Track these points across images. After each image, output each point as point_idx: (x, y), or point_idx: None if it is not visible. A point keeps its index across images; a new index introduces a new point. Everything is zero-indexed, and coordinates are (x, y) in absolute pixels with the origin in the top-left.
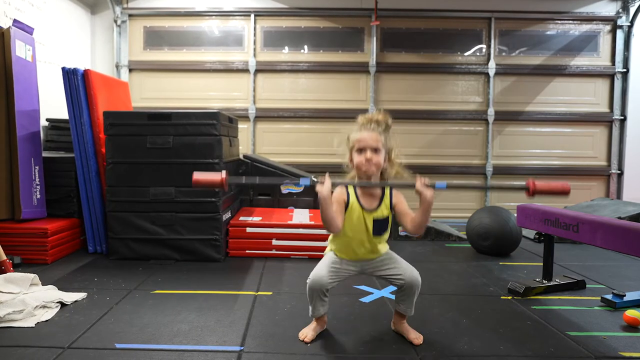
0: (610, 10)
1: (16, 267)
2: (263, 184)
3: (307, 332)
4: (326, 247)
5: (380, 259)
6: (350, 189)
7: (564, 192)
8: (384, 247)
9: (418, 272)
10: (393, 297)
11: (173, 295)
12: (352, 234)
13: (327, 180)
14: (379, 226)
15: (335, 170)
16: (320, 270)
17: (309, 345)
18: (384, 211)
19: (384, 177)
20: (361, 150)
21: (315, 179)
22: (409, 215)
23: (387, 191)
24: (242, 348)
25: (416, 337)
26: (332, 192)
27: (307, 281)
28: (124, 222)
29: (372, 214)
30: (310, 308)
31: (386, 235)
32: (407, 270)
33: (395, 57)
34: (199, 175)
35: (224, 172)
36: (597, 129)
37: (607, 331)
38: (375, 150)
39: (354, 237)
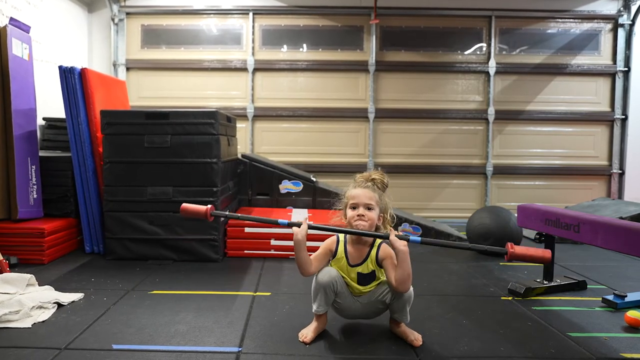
0: (611, 8)
1: (12, 268)
2: (245, 217)
3: (307, 333)
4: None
5: (376, 289)
6: (341, 240)
7: (544, 260)
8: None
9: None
10: None
11: (171, 295)
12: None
13: (304, 224)
14: (364, 279)
15: (335, 169)
16: (333, 271)
17: (308, 346)
18: (369, 266)
19: (377, 234)
20: (354, 206)
21: (293, 222)
22: (391, 279)
23: (375, 246)
24: (240, 349)
25: (415, 339)
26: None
27: (317, 276)
28: (122, 222)
29: (355, 268)
30: (314, 305)
31: (375, 284)
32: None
33: (395, 56)
34: (187, 206)
35: (210, 205)
36: (598, 129)
37: (608, 332)
38: (369, 207)
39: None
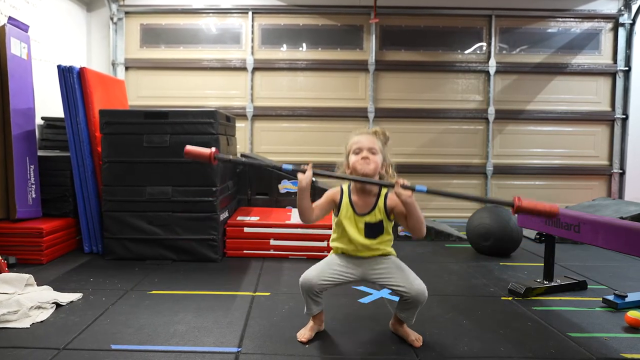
0: (611, 8)
1: (11, 268)
2: (250, 162)
3: (304, 333)
4: (324, 247)
5: (384, 266)
6: (345, 191)
7: (551, 214)
8: (386, 247)
9: (425, 286)
10: (392, 297)
11: (170, 295)
12: (346, 232)
13: (309, 170)
14: (371, 230)
15: (334, 169)
16: (312, 271)
17: (307, 346)
18: (377, 215)
19: (383, 183)
20: (358, 151)
21: (298, 167)
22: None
23: (382, 195)
24: (239, 349)
25: (416, 339)
26: (312, 182)
27: (300, 280)
28: (120, 221)
29: (363, 217)
30: (305, 308)
31: (386, 238)
32: (414, 284)
33: (395, 55)
34: (190, 148)
35: (214, 148)
36: (598, 128)
37: (608, 332)
38: (372, 151)
39: (349, 235)
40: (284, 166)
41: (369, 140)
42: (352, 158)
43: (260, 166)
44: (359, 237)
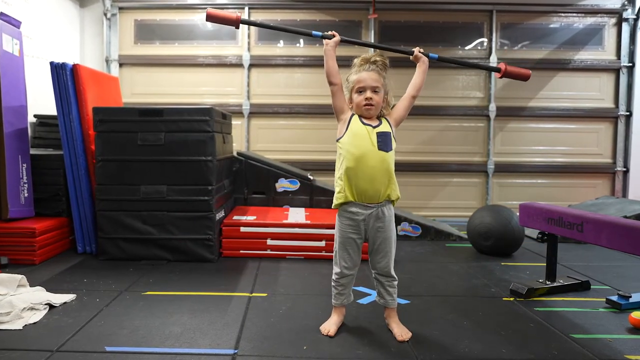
0: (615, 2)
1: (3, 268)
2: (277, 27)
3: (330, 327)
4: (322, 247)
5: (387, 215)
6: (355, 114)
7: (526, 75)
8: (395, 189)
9: (391, 265)
10: None
11: (165, 296)
12: (358, 151)
13: (337, 37)
14: (383, 139)
15: (333, 167)
16: (342, 262)
17: (305, 348)
18: (386, 126)
19: (380, 115)
20: (361, 90)
21: (327, 33)
22: (407, 93)
23: (383, 118)
24: (236, 351)
25: (400, 334)
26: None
27: (337, 273)
28: (114, 221)
29: (375, 129)
30: (339, 298)
31: (393, 156)
32: (385, 260)
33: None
34: (213, 10)
35: (239, 12)
36: (602, 125)
37: (612, 334)
38: (375, 90)
39: (361, 157)
40: (314, 33)
41: (372, 79)
42: (356, 97)
43: (288, 31)
44: (372, 148)
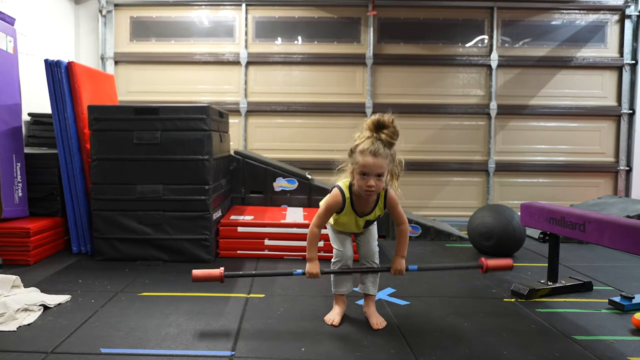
0: None
1: None
2: (261, 274)
3: (334, 317)
4: (321, 247)
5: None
6: (347, 196)
7: (508, 267)
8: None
9: (371, 252)
10: (390, 299)
11: (161, 297)
12: (346, 227)
13: (317, 274)
14: (370, 223)
15: (332, 166)
16: (338, 246)
17: (303, 349)
18: (376, 213)
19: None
20: (365, 174)
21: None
22: (397, 224)
23: (382, 196)
24: (233, 353)
25: (377, 323)
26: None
27: (336, 259)
28: (110, 221)
29: (364, 217)
30: (339, 286)
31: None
32: (368, 245)
33: (393, 49)
34: (197, 272)
35: (222, 268)
36: (604, 124)
37: (615, 335)
38: (379, 175)
39: (347, 229)
40: (295, 273)
41: (377, 165)
42: (359, 181)
43: (272, 275)
44: (357, 229)
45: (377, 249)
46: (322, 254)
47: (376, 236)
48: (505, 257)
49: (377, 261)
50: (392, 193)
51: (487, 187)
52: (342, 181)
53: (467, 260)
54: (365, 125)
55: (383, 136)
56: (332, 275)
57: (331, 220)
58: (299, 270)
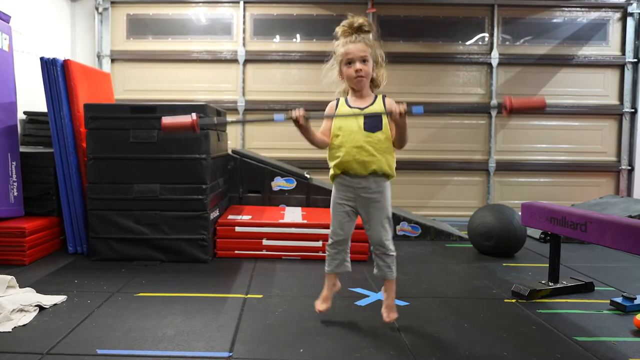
0: None
1: None
2: (238, 121)
3: (317, 304)
4: (319, 247)
5: (375, 187)
6: (342, 99)
7: (541, 105)
8: (385, 163)
9: (388, 239)
10: None
11: (158, 298)
12: (345, 137)
13: (299, 111)
14: (371, 122)
15: (328, 166)
16: (333, 227)
17: (301, 350)
18: (378, 107)
19: (375, 84)
20: (350, 62)
21: (289, 114)
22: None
23: (380, 98)
24: (230, 354)
25: (388, 316)
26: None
27: (330, 239)
28: (106, 221)
29: (363, 110)
30: (331, 264)
31: (385, 144)
32: (375, 230)
33: (393, 47)
34: (167, 120)
35: (194, 114)
36: (606, 123)
37: (616, 336)
38: (364, 60)
39: (348, 140)
40: (276, 116)
41: (359, 50)
42: (346, 71)
43: (252, 122)
44: (359, 131)
45: (387, 232)
46: (320, 254)
47: (385, 216)
48: (506, 257)
49: (391, 247)
50: (391, 101)
51: (487, 187)
52: (341, 96)
53: (467, 260)
54: (339, 30)
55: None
56: (329, 258)
57: (332, 170)
58: (281, 115)
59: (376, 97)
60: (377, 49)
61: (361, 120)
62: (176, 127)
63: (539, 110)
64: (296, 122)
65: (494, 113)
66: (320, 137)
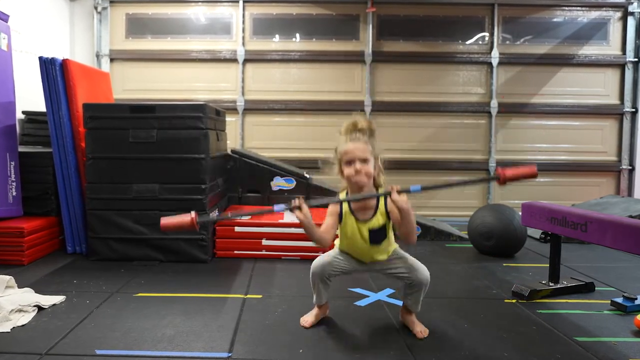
0: None
1: None
2: (237, 215)
3: (308, 318)
4: (319, 247)
5: (389, 258)
6: (344, 204)
7: (532, 175)
8: (391, 248)
9: (427, 271)
10: (390, 300)
11: (157, 298)
12: (351, 241)
13: (303, 206)
14: (376, 235)
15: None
16: (324, 257)
17: (301, 351)
18: (379, 220)
19: (376, 185)
20: (350, 162)
21: (290, 204)
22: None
23: (382, 199)
24: (230, 354)
25: (421, 331)
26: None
27: (311, 266)
28: (105, 220)
29: (366, 224)
30: (314, 296)
31: (387, 242)
32: (417, 270)
33: (393, 46)
34: (166, 220)
35: (193, 212)
36: (606, 122)
37: (617, 336)
38: (364, 160)
39: (354, 244)
40: (276, 207)
41: (360, 150)
42: (346, 170)
43: (251, 214)
44: (364, 245)
45: (416, 263)
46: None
47: (407, 255)
48: (506, 257)
49: (425, 276)
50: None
51: (487, 187)
52: (342, 192)
53: (467, 260)
54: (342, 130)
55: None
56: (312, 286)
57: (337, 242)
58: (282, 205)
59: (378, 201)
60: (377, 150)
61: (366, 232)
62: (175, 227)
63: (531, 178)
64: (297, 209)
65: (491, 182)
66: (322, 234)
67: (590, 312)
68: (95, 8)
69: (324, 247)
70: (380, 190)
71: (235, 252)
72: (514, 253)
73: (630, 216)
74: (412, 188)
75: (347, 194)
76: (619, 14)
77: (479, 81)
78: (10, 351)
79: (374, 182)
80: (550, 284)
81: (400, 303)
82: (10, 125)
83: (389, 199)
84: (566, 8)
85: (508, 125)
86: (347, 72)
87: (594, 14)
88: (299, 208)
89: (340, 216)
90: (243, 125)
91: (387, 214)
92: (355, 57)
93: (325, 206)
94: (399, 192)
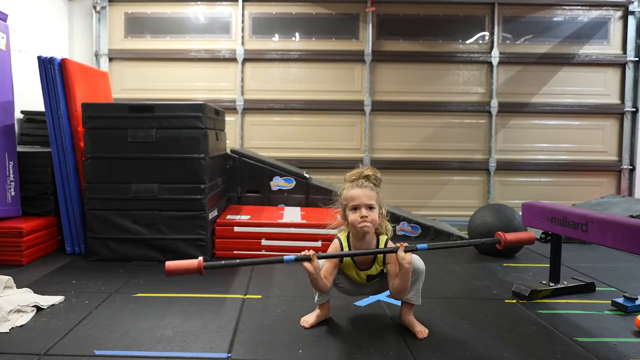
0: None
1: None
2: (251, 262)
3: (309, 319)
4: (319, 247)
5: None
6: (344, 244)
7: (530, 241)
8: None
9: (420, 259)
10: (390, 300)
11: (156, 298)
12: (348, 277)
13: (314, 260)
14: (373, 277)
15: (329, 165)
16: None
17: (300, 351)
18: (377, 268)
19: (378, 233)
20: (356, 207)
21: (301, 255)
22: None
23: (382, 245)
24: (229, 355)
25: (421, 331)
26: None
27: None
28: (104, 221)
29: (365, 271)
30: (315, 295)
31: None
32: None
33: (392, 45)
34: (172, 264)
35: (201, 258)
36: (607, 122)
37: (618, 337)
38: (370, 207)
39: (351, 277)
40: (286, 258)
41: (367, 196)
42: (351, 216)
43: (261, 263)
44: (361, 281)
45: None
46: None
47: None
48: (506, 257)
49: (418, 266)
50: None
51: (487, 187)
52: (341, 233)
53: (467, 260)
54: (347, 177)
55: (367, 179)
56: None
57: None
58: (291, 256)
59: (375, 260)
60: (382, 200)
61: (364, 276)
62: (181, 271)
63: (528, 244)
64: (307, 260)
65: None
66: (326, 283)
67: (590, 312)
68: (94, 7)
69: (324, 292)
70: (382, 239)
71: (235, 252)
72: (514, 253)
73: (631, 216)
74: (419, 246)
75: (348, 237)
76: (619, 13)
77: (479, 81)
78: (8, 352)
79: (375, 230)
80: (551, 284)
81: (399, 303)
82: (8, 124)
83: (388, 245)
84: (566, 7)
85: (508, 125)
86: (347, 72)
87: (595, 13)
88: (309, 260)
89: (340, 261)
90: (242, 125)
91: (384, 263)
92: (355, 57)
93: (336, 257)
94: (406, 250)
